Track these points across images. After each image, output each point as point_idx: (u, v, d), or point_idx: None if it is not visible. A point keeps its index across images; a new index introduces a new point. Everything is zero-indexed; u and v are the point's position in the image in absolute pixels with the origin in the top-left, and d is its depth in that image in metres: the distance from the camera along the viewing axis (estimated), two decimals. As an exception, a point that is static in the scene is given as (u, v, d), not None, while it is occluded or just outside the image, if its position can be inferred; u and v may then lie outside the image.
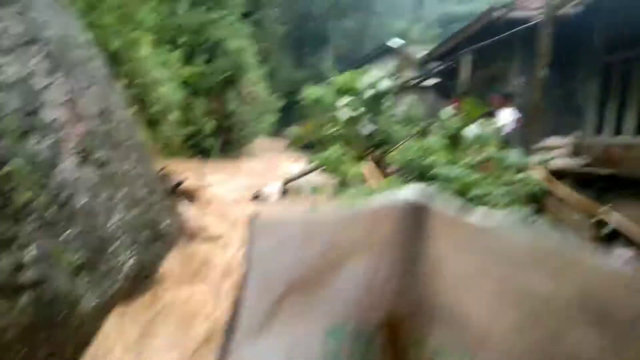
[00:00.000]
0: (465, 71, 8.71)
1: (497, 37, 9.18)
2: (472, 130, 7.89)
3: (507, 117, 8.69)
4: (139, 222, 6.02)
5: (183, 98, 14.81)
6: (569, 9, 5.64)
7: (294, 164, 16.71)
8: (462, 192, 4.88)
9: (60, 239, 4.71)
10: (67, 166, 5.00)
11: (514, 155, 7.62)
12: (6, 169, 4.13)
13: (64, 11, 6.05)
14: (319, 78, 26.20)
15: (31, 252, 4.37)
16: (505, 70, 12.11)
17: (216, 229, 7.32)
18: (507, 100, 8.99)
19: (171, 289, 6.34)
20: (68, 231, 4.83)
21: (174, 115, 13.94)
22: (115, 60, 11.72)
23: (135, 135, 6.68)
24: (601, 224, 6.33)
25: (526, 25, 8.08)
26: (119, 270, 5.51)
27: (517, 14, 10.10)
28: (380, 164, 8.49)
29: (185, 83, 14.97)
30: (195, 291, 6.39)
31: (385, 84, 9.04)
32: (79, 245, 4.95)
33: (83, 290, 4.91)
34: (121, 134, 6.05)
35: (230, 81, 16.56)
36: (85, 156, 5.28)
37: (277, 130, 23.89)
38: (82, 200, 5.08)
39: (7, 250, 4.26)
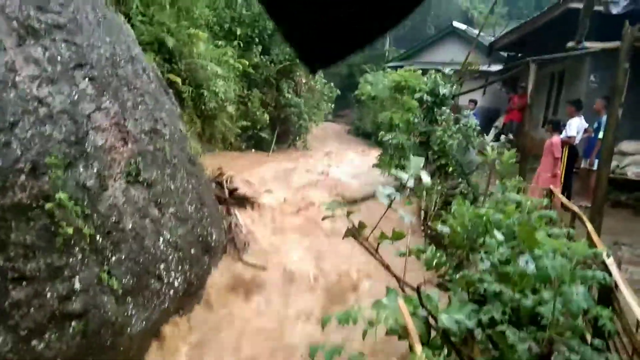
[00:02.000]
0: (532, 74, 8.09)
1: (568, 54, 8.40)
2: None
3: (575, 127, 8.05)
4: (187, 239, 6.05)
5: (239, 91, 14.86)
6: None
7: (355, 155, 16.40)
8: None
9: (107, 265, 4.78)
10: (115, 191, 5.03)
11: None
12: (51, 203, 4.20)
13: (113, 26, 6.05)
14: (377, 59, 25.55)
15: (78, 281, 4.48)
16: (576, 75, 11.26)
17: (267, 241, 7.26)
18: (577, 109, 8.31)
19: (220, 303, 6.37)
20: (115, 257, 4.90)
21: (230, 109, 14.03)
22: (172, 56, 11.87)
23: (185, 149, 6.68)
24: None
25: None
26: (167, 290, 5.57)
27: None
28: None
29: (241, 76, 14.99)
30: (242, 307, 6.39)
31: (446, 89, 8.55)
32: (126, 270, 5.02)
33: (130, 314, 5.00)
34: (170, 150, 6.04)
35: (286, 72, 16.42)
36: (133, 178, 5.30)
37: (334, 112, 23.59)
38: (129, 223, 5.13)
39: (54, 280, 4.36)
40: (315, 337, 5.30)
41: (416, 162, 2.32)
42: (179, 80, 11.62)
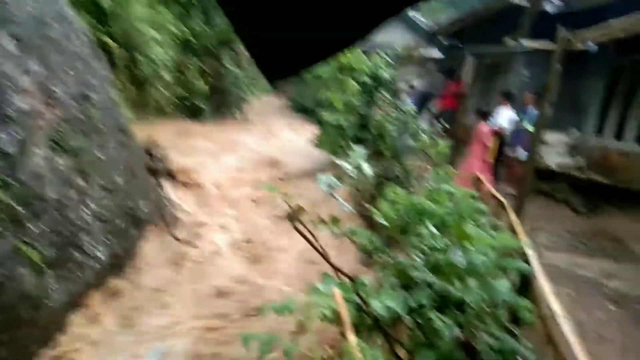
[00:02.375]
0: (470, 66, 8.35)
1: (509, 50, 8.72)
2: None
3: (506, 117, 8.44)
4: (114, 211, 5.81)
5: (177, 58, 14.29)
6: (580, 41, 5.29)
7: (293, 132, 16.26)
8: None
9: (28, 236, 4.51)
10: (38, 158, 4.73)
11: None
12: (-34, 169, 3.88)
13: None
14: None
15: (-6, 252, 4.19)
16: (509, 68, 11.72)
17: (198, 216, 7.11)
18: (507, 99, 8.71)
19: (148, 275, 6.21)
20: (35, 227, 4.63)
21: (166, 76, 13.50)
22: (106, 18, 11.20)
23: (116, 117, 6.37)
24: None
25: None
26: (92, 262, 5.34)
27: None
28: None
29: (179, 43, 14.41)
30: (170, 279, 6.27)
31: (388, 73, 8.63)
32: (48, 241, 4.75)
33: (51, 287, 4.76)
34: (100, 118, 5.73)
35: (227, 42, 15.96)
36: (58, 146, 5.00)
37: (276, 86, 23.27)
38: (52, 193, 4.84)
39: (-33, 252, 4.08)
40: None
41: (358, 153, 2.33)
42: (112, 43, 11.02)
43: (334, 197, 2.34)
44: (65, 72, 5.32)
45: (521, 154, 8.79)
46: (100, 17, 10.90)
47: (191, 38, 14.70)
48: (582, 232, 7.32)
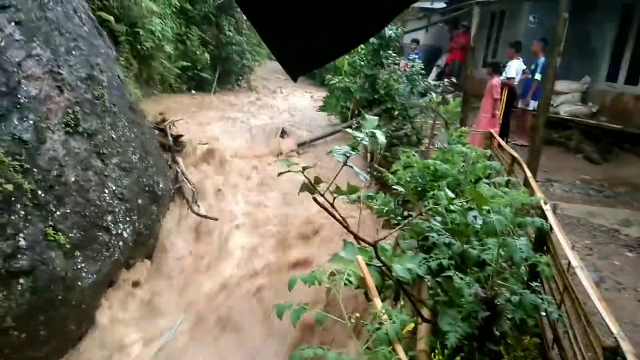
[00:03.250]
0: (476, 16, 8.16)
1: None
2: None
3: (514, 69, 8.30)
4: (133, 189, 5.92)
5: (176, 29, 14.14)
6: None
7: (300, 98, 16.14)
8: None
9: (52, 220, 4.64)
10: (54, 143, 4.81)
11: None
12: (-13, 159, 3.98)
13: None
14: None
15: (22, 238, 4.33)
16: (515, 16, 11.42)
17: (215, 189, 7.21)
18: (516, 50, 8.54)
19: (172, 250, 6.38)
20: (59, 211, 4.75)
21: (168, 48, 13.41)
22: (104, -7, 11.06)
23: (124, 95, 6.40)
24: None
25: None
26: (116, 241, 5.49)
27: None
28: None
29: (177, 13, 14.23)
30: (193, 251, 6.43)
31: (391, 30, 8.46)
32: (72, 224, 4.88)
33: (80, 268, 4.92)
34: (109, 98, 5.77)
35: (225, 8, 15.71)
36: (72, 129, 5.07)
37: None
38: (72, 176, 4.94)
39: (-2, 239, 4.22)
40: (271, 283, 5.49)
41: (371, 121, 2.36)
42: (111, 18, 10.89)
43: (351, 168, 2.39)
44: (70, 53, 5.33)
45: (533, 104, 8.70)
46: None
47: (189, 7, 14.51)
48: (596, 180, 7.32)
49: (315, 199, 2.11)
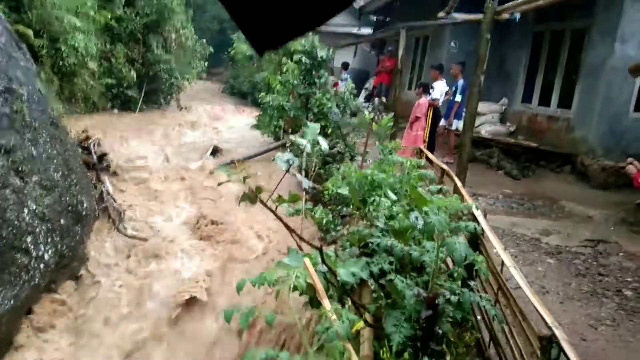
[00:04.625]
0: (403, 39, 8.58)
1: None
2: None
3: (439, 90, 8.76)
4: (55, 209, 5.57)
5: (101, 46, 13.66)
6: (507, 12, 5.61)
7: (231, 117, 15.96)
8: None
9: (-36, 242, 4.27)
10: (-34, 159, 4.46)
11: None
12: None
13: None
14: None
15: None
16: (438, 41, 12.08)
17: (143, 209, 6.93)
18: (440, 72, 9.03)
19: (98, 272, 6.03)
20: (-27, 232, 4.38)
21: (92, 65, 12.91)
22: (20, 5, 10.51)
23: (46, 110, 6.06)
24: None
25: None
26: (37, 264, 5.12)
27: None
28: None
29: (102, 29, 13.77)
30: (121, 273, 6.11)
31: (323, 52, 8.66)
32: (-14, 246, 4.52)
33: (-5, 293, 4.54)
34: (30, 112, 5.44)
35: (153, 27, 15.40)
36: (-13, 144, 4.72)
37: (208, 70, 22.60)
38: (-14, 195, 4.59)
39: None
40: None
41: (313, 128, 2.39)
42: (30, 32, 10.38)
43: (294, 174, 2.39)
44: (-15, 65, 5.00)
45: (456, 123, 9.17)
46: (11, 4, 10.23)
47: (115, 24, 14.09)
48: (517, 194, 7.78)
49: (262, 202, 2.09)
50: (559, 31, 9.42)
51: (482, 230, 2.93)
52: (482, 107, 9.79)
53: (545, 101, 9.58)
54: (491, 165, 9.41)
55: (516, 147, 9.04)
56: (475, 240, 3.02)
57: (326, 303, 1.84)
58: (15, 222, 4.89)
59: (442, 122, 9.34)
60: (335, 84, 9.90)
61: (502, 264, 2.62)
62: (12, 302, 4.70)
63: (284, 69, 9.02)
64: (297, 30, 0.80)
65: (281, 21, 0.78)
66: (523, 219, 6.58)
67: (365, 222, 3.20)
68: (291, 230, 2.27)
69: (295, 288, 2.11)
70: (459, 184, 3.85)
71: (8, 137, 5.00)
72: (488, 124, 10.00)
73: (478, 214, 3.12)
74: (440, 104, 8.95)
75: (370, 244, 2.72)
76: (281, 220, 2.19)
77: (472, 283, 2.54)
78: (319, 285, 1.92)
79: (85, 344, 4.95)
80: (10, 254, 4.78)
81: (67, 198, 5.90)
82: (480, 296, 2.41)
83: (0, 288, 4.60)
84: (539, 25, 9.78)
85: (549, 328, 2.00)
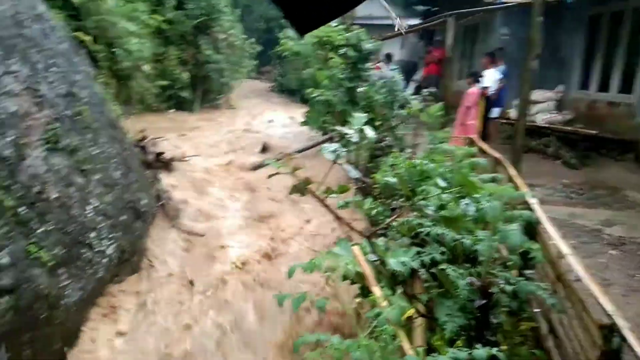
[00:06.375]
0: (451, 28, 8.37)
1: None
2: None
3: (491, 78, 8.51)
4: (116, 206, 5.83)
5: (154, 49, 14.14)
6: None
7: (280, 114, 16.18)
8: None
9: (35, 237, 4.54)
10: (35, 160, 4.73)
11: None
12: (-33, 176, 3.89)
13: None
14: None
15: (5, 256, 4.22)
16: (489, 28, 11.72)
17: (199, 206, 7.15)
18: (493, 60, 8.77)
19: (157, 269, 6.28)
20: (42, 228, 4.65)
21: (146, 68, 13.38)
22: (78, 13, 11.03)
23: (104, 112, 6.34)
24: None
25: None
26: (100, 258, 5.39)
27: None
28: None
29: (155, 33, 14.25)
30: (179, 268, 6.33)
31: (370, 44, 8.61)
32: (55, 241, 4.78)
33: (64, 286, 4.81)
34: (90, 114, 5.71)
35: (203, 28, 15.80)
36: (52, 145, 5.00)
37: (256, 69, 23.01)
38: (54, 193, 4.85)
39: (-22, 258, 4.10)
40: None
41: (360, 118, 2.39)
42: (88, 38, 10.87)
43: (340, 164, 2.40)
44: (48, 70, 5.29)
45: (494, 112, 8.93)
46: (71, 12, 10.74)
47: (166, 27, 14.55)
48: (576, 184, 7.48)
49: (312, 192, 2.11)
50: (617, 12, 8.94)
51: (538, 219, 2.83)
52: (537, 95, 9.46)
53: (604, 87, 9.13)
54: (548, 155, 9.08)
55: (574, 135, 8.66)
56: (531, 230, 2.92)
57: (376, 290, 1.84)
58: (80, 219, 5.16)
59: (496, 112, 9.09)
60: (377, 67, 9.83)
61: (560, 253, 2.53)
62: (79, 294, 4.97)
63: (330, 64, 9.03)
64: (334, 12, 0.82)
65: (319, 4, 0.80)
66: (583, 209, 6.31)
67: (415, 213, 3.17)
68: (340, 220, 2.28)
69: (345, 277, 2.13)
70: (513, 172, 3.73)
71: (71, 138, 5.27)
72: (544, 113, 9.64)
73: (533, 202, 3.02)
74: (491, 92, 8.70)
75: (420, 234, 2.70)
76: (330, 209, 2.21)
77: (527, 272, 2.47)
78: (369, 273, 1.92)
79: (146, 332, 5.19)
80: (76, 249, 5.05)
81: (127, 195, 6.16)
82: (537, 285, 2.34)
83: (68, 281, 4.88)
84: (595, 7, 9.32)
85: (610, 317, 1.92)
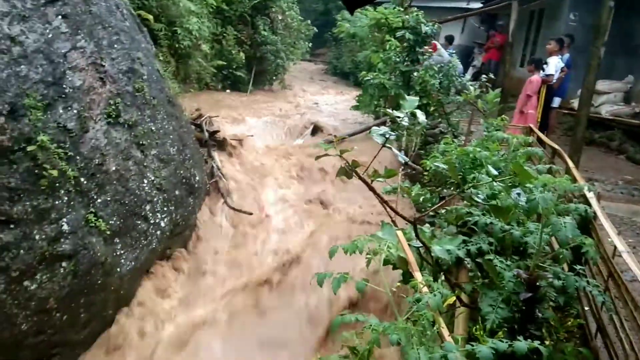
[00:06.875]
0: (514, 12, 8.01)
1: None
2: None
3: (554, 65, 8.10)
4: (171, 181, 6.03)
5: (213, 29, 14.38)
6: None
7: (333, 96, 16.17)
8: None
9: (93, 207, 4.78)
10: (96, 132, 4.95)
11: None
12: (34, 146, 4.12)
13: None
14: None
15: (66, 223, 4.47)
16: (555, 13, 11.13)
17: (250, 184, 7.28)
18: (561, 46, 8.32)
19: (208, 241, 6.47)
20: (100, 199, 4.89)
21: (204, 47, 13.64)
22: (143, -7, 11.35)
23: (163, 89, 6.53)
24: None
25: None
26: (154, 230, 5.61)
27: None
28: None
29: (214, 12, 14.47)
30: (228, 244, 6.50)
31: (428, 27, 8.37)
32: (112, 211, 5.02)
33: (119, 254, 5.05)
34: (149, 91, 5.90)
35: (261, 8, 15.91)
36: (113, 120, 5.21)
37: (311, 50, 22.96)
38: (112, 165, 5.08)
39: (41, 223, 4.35)
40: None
41: (411, 101, 2.34)
42: (150, 17, 11.17)
43: (389, 148, 2.37)
44: (112, 46, 5.49)
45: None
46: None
47: (225, 7, 14.73)
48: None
49: (357, 174, 2.11)
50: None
51: (594, 214, 2.71)
52: (604, 85, 8.95)
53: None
54: (611, 149, 8.60)
55: (642, 127, 8.16)
56: (586, 225, 2.80)
57: (418, 275, 1.83)
58: (136, 191, 5.38)
59: (557, 101, 8.69)
60: (434, 46, 9.56)
61: (615, 250, 2.42)
62: (133, 263, 5.21)
63: (387, 47, 8.88)
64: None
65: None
66: (646, 206, 5.97)
67: (464, 202, 3.10)
68: (386, 203, 2.27)
69: (386, 262, 2.12)
70: (571, 164, 3.58)
71: (130, 113, 5.47)
72: (609, 104, 9.11)
73: (590, 195, 2.89)
74: (554, 80, 8.30)
75: (468, 222, 2.64)
76: (376, 192, 2.19)
77: (578, 267, 2.37)
78: (412, 258, 1.91)
79: (194, 301, 5.39)
80: (132, 220, 5.28)
81: (182, 171, 6.36)
82: (588, 281, 2.25)
83: (123, 250, 5.12)
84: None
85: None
